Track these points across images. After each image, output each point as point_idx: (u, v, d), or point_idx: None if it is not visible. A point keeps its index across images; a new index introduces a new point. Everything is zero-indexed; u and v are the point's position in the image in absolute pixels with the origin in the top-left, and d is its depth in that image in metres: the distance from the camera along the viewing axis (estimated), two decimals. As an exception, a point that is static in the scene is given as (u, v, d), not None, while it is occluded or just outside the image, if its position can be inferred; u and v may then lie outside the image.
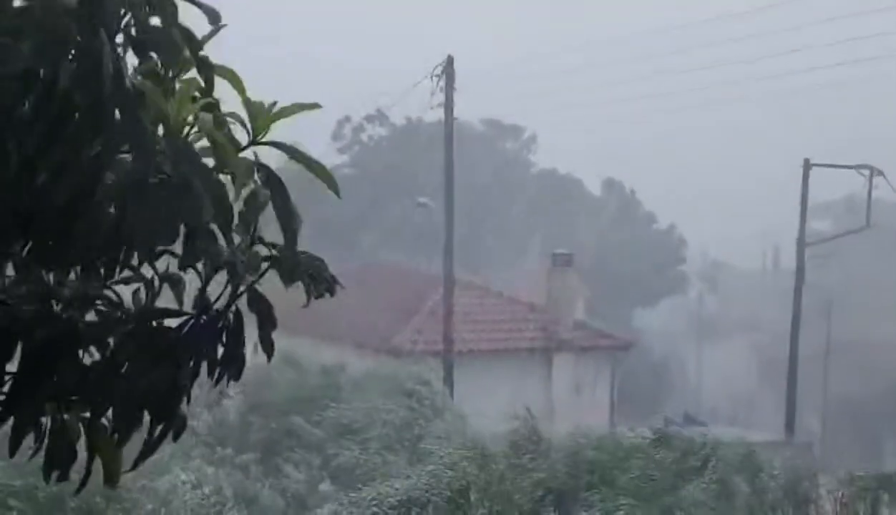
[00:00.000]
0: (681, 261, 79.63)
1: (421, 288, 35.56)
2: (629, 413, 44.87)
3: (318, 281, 3.24)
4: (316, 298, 3.25)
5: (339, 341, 31.20)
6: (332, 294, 3.26)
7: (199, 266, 3.01)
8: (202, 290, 3.01)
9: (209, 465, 19.95)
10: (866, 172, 37.50)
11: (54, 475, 3.03)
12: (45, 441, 3.00)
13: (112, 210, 2.89)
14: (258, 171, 3.12)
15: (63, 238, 2.87)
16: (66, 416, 3.01)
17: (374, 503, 16.64)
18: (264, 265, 3.08)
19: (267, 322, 3.13)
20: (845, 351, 59.81)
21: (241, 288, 3.04)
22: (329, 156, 60.76)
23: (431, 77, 31.91)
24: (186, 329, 2.98)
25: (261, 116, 3.13)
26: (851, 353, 60.47)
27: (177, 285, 3.12)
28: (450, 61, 33.19)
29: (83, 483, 3.12)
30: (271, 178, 3.15)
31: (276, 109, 3.17)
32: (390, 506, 16.56)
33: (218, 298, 3.07)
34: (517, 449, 19.80)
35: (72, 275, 3.00)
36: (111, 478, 3.04)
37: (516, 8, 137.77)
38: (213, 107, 3.07)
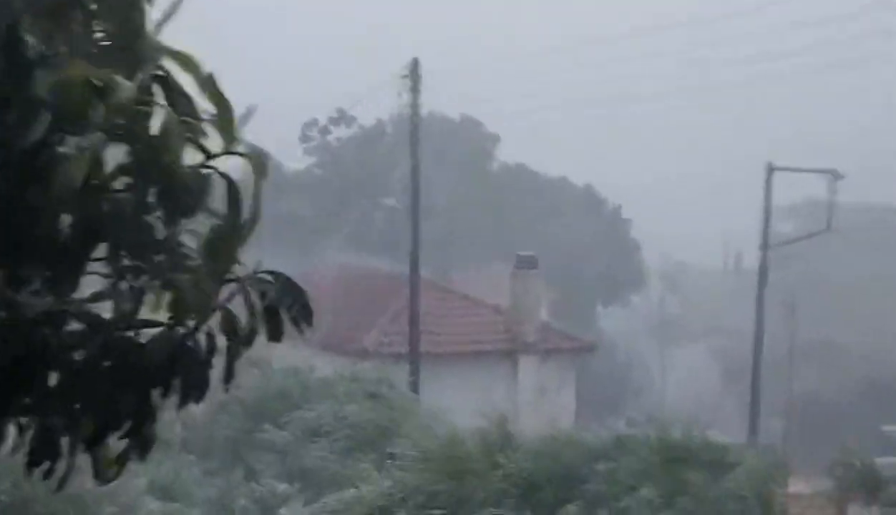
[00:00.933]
0: (643, 262, 79.92)
1: (387, 289, 35.55)
2: (593, 414, 45.00)
3: (301, 310, 3.20)
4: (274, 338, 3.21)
5: (305, 343, 31.14)
6: (309, 324, 3.24)
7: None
8: (175, 309, 2.99)
9: (174, 470, 19.84)
10: (828, 176, 37.84)
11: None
12: (28, 439, 2.98)
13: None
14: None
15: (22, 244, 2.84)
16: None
17: (343, 506, 16.63)
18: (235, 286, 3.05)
19: (235, 348, 3.09)
20: (808, 352, 60.23)
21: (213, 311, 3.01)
22: (297, 159, 60.71)
23: (407, 76, 31.95)
24: (156, 349, 2.95)
25: (229, 122, 3.09)
26: (814, 355, 60.91)
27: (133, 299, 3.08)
28: (415, 64, 33.22)
29: (62, 482, 3.11)
30: (231, 192, 3.11)
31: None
32: (360, 513, 16.54)
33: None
34: (487, 451, 19.83)
35: (37, 285, 2.97)
36: (100, 475, 3.02)
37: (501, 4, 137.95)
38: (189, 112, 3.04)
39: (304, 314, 3.18)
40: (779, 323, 54.00)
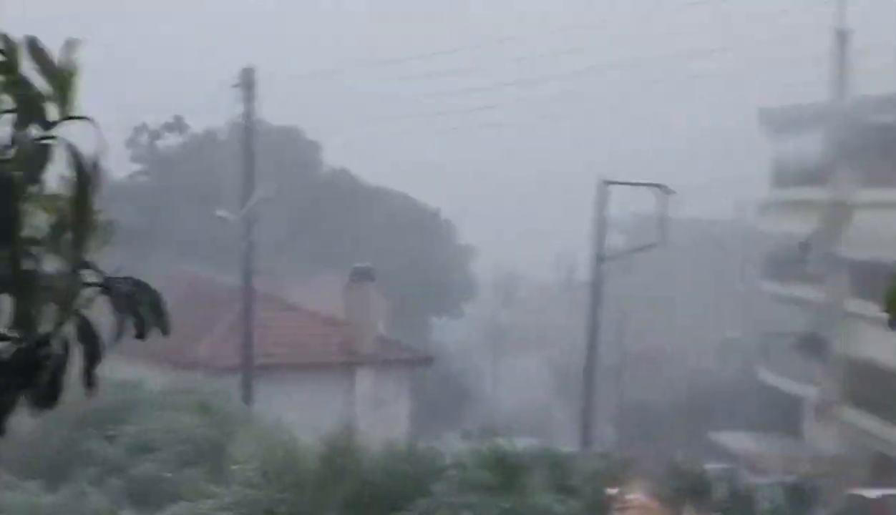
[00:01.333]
0: (476, 274, 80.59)
1: (220, 300, 34.86)
2: (427, 426, 45.02)
3: (157, 314, 3.02)
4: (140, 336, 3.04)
5: (135, 355, 30.23)
6: (165, 332, 3.05)
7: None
8: (20, 316, 2.69)
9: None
10: (658, 191, 38.65)
11: None
12: None
13: None
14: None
15: None
16: None
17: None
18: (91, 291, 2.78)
19: (93, 355, 2.84)
20: (638, 362, 61.49)
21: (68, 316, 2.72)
22: (124, 165, 59.20)
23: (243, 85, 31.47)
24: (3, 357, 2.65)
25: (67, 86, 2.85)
26: (643, 365, 62.19)
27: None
28: (249, 72, 32.75)
29: None
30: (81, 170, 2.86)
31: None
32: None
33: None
34: (326, 463, 19.53)
35: None
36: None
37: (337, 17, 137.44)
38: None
39: (160, 318, 2.95)
40: (610, 333, 54.92)
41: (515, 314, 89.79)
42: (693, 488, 20.05)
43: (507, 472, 20.00)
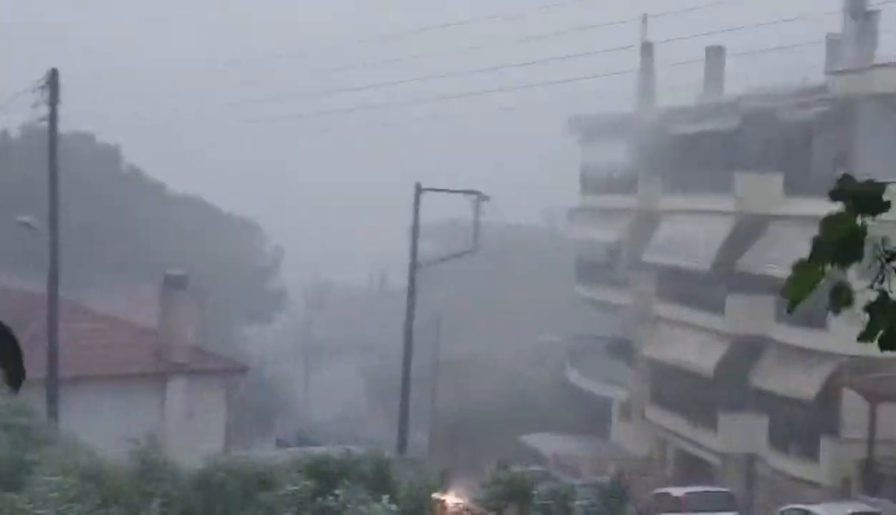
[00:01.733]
0: (289, 281, 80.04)
1: (24, 310, 33.62)
2: (241, 436, 44.42)
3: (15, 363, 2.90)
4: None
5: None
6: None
7: None
8: None
9: None
10: (473, 197, 39.02)
11: None
12: None
13: None
14: None
15: None
16: None
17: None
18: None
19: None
20: (453, 367, 61.93)
21: None
22: None
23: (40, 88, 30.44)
24: None
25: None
26: (458, 370, 62.66)
27: None
28: (54, 74, 31.74)
29: None
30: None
31: None
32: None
33: None
34: (140, 476, 19.05)
35: None
36: None
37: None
38: None
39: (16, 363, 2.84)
40: (424, 339, 55.18)
41: (328, 321, 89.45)
42: (513, 490, 20.26)
43: (327, 479, 19.90)
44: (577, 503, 20.63)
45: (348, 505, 18.58)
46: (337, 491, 19.26)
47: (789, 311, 3.60)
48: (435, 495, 19.00)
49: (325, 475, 20.20)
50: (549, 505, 19.86)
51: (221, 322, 62.11)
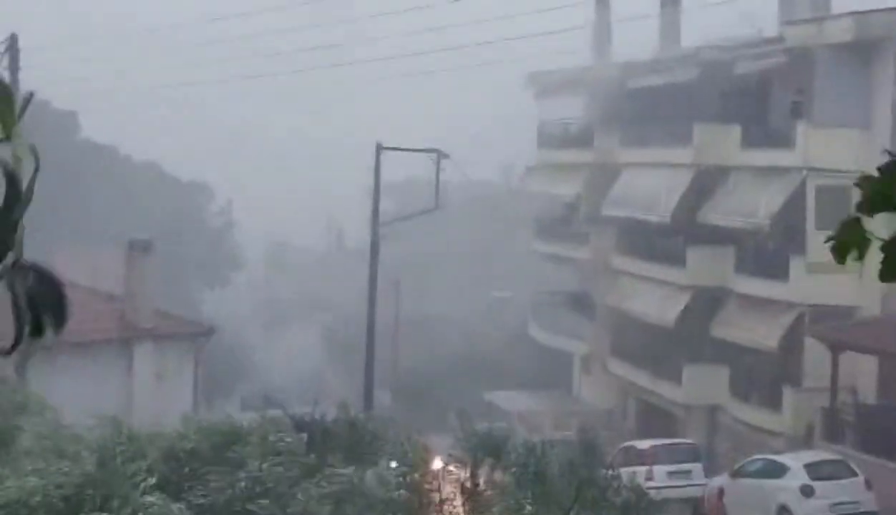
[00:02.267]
0: (246, 242, 79.86)
1: (-14, 280, 33.38)
2: (205, 398, 44.36)
3: (57, 305, 3.01)
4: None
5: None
6: (64, 320, 3.06)
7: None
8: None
9: None
10: (434, 156, 39.05)
11: None
12: None
13: None
14: None
15: None
16: None
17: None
18: None
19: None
20: (412, 326, 62.07)
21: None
22: None
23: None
24: None
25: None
26: (417, 329, 62.82)
27: None
28: (14, 39, 31.41)
29: None
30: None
31: None
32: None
33: None
34: (115, 441, 19.05)
35: None
36: None
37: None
38: None
39: (59, 309, 2.94)
40: (384, 299, 55.28)
41: (286, 282, 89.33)
42: (485, 446, 20.40)
43: (305, 438, 20.00)
44: (553, 457, 20.78)
45: (334, 467, 18.69)
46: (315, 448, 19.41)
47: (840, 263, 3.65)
48: (416, 454, 19.13)
49: (300, 431, 20.34)
50: (524, 462, 20.00)
51: (181, 285, 61.91)
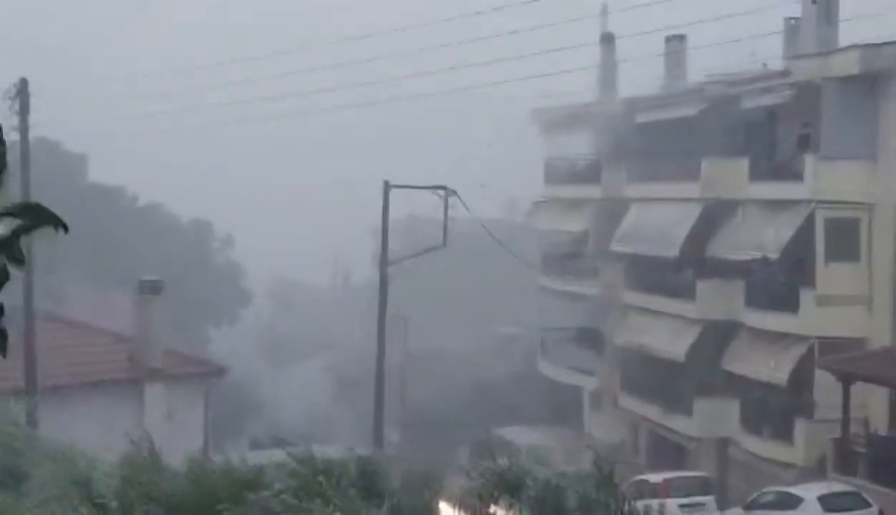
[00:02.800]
0: (252, 281, 79.91)
1: (-3, 321, 33.42)
2: (217, 437, 44.31)
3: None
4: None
5: None
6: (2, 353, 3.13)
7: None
8: None
9: None
10: (441, 193, 39.13)
11: None
12: None
13: None
14: None
15: None
16: None
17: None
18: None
19: None
20: (420, 363, 62.03)
21: None
22: None
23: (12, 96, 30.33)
24: None
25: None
26: (426, 365, 62.77)
27: None
28: (24, 83, 31.62)
29: None
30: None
31: None
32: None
33: None
34: (130, 482, 19.00)
35: None
36: None
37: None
38: None
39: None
40: (391, 335, 55.33)
41: (293, 320, 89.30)
42: (503, 481, 20.31)
43: (316, 478, 19.92)
44: (570, 492, 20.71)
45: (339, 501, 18.63)
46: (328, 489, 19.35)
47: None
48: (430, 491, 19.06)
49: (313, 472, 20.27)
50: (542, 497, 19.91)
51: (189, 324, 61.94)
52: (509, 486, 20.48)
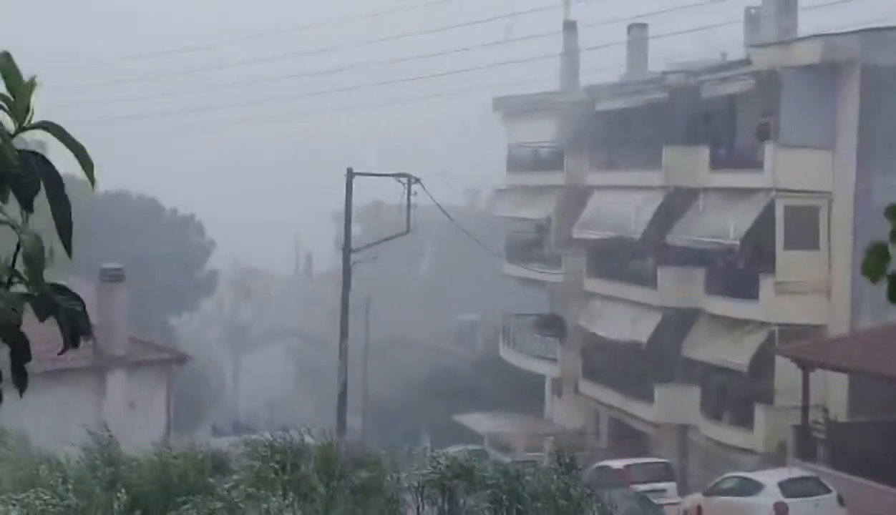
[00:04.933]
0: (212, 269, 79.56)
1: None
2: (180, 425, 44.20)
3: (76, 323, 3.14)
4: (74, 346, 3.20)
5: None
6: (89, 333, 3.19)
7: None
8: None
9: None
10: (404, 180, 39.10)
11: None
12: None
13: None
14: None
15: None
16: None
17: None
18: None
19: (21, 355, 3.02)
20: (382, 350, 62.03)
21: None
22: None
23: None
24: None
25: (24, 95, 2.92)
26: (387, 353, 62.80)
27: None
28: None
29: None
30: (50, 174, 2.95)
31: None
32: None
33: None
34: (94, 470, 18.95)
35: None
36: None
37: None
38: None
39: (84, 322, 3.09)
40: (353, 322, 55.31)
41: (255, 308, 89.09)
42: (457, 469, 20.39)
43: (282, 463, 19.92)
44: (528, 478, 20.80)
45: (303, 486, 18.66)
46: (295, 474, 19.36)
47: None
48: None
49: (278, 457, 20.26)
50: (499, 484, 20.01)
51: (149, 311, 61.63)
52: (468, 473, 20.59)
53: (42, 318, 3.05)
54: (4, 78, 2.96)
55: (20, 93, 2.99)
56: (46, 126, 3.02)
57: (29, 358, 3.09)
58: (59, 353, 3.35)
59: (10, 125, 3.04)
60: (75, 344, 3.21)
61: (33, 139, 3.21)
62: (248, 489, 17.72)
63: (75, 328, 3.15)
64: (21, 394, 3.19)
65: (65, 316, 3.10)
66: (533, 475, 22.99)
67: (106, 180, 73.64)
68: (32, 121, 3.00)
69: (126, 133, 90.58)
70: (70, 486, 18.07)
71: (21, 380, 3.18)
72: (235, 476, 18.30)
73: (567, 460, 25.21)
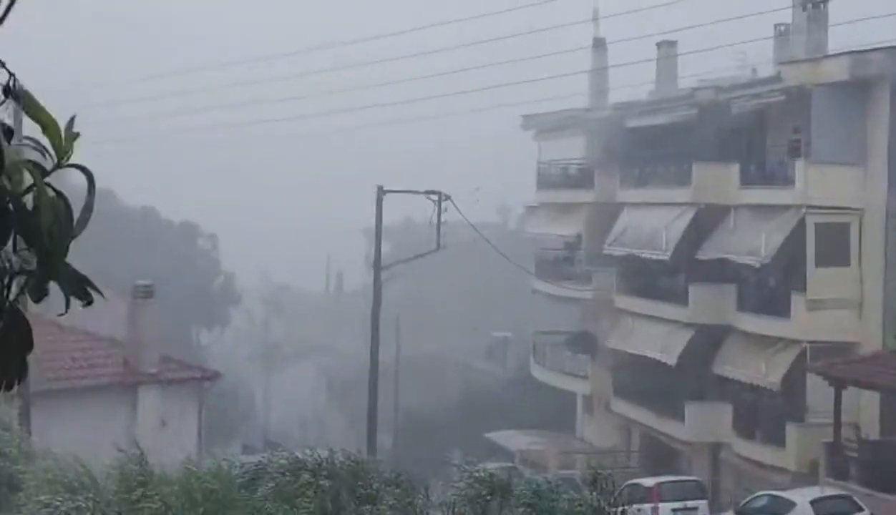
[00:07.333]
0: (244, 286, 79.94)
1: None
2: (211, 442, 44.40)
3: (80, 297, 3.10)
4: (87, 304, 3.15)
5: None
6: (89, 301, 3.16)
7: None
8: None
9: None
10: (435, 197, 39.20)
11: None
12: None
13: None
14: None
15: None
16: None
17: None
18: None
19: (23, 345, 2.93)
20: (412, 367, 62.07)
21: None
22: None
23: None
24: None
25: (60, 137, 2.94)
26: (418, 369, 62.81)
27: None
28: (13, 81, 31.60)
29: None
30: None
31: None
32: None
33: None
34: (126, 486, 19.03)
35: None
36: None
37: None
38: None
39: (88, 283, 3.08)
40: (384, 339, 55.43)
41: (286, 325, 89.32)
42: (492, 487, 20.34)
43: (310, 481, 19.96)
44: (563, 495, 20.75)
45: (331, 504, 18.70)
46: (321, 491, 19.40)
47: None
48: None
49: (308, 474, 20.31)
50: (533, 502, 19.96)
51: (180, 329, 61.99)
52: (501, 490, 20.58)
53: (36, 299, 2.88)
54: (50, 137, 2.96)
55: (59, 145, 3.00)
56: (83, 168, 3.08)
57: (30, 349, 2.93)
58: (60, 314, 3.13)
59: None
60: (89, 302, 3.19)
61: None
62: (276, 505, 17.79)
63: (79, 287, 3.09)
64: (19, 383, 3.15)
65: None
66: (567, 493, 22.94)
67: (135, 195, 74.11)
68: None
69: (152, 148, 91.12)
70: (99, 499, 18.19)
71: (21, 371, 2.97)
72: (262, 491, 18.38)
73: (602, 478, 25.15)
